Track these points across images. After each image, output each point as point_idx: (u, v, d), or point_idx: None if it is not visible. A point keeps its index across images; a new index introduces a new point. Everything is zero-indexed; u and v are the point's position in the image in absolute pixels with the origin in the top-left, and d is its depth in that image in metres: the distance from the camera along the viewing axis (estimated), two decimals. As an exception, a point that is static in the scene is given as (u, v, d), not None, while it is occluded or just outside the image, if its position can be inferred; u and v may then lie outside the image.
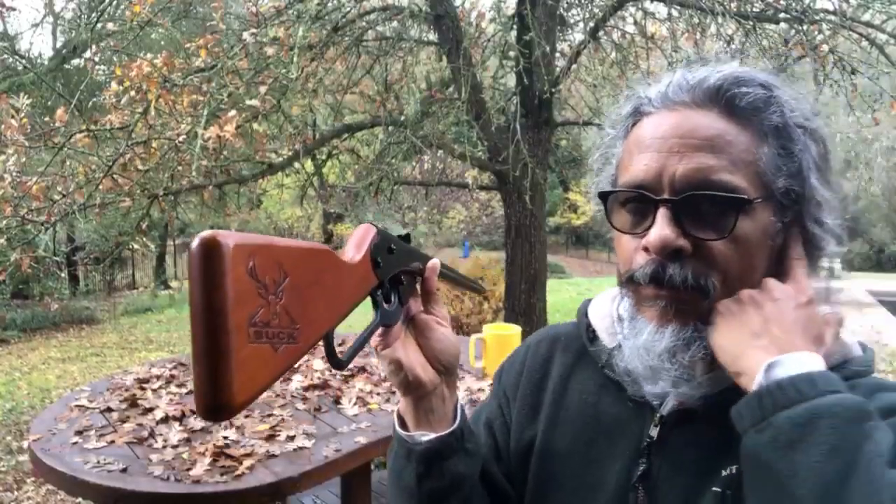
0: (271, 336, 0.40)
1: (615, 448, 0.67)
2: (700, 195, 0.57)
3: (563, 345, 0.79)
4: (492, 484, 0.74)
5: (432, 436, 0.64)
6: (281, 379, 2.69)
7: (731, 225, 0.57)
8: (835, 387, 0.51)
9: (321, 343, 0.49)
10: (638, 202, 0.61)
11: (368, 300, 0.58)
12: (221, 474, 1.78)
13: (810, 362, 0.53)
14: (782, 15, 4.00)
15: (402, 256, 0.61)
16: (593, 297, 0.80)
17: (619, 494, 0.65)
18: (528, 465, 0.74)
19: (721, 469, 0.60)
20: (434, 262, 0.66)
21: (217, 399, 0.36)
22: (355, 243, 0.55)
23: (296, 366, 2.87)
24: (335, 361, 0.51)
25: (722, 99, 0.59)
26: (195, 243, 0.37)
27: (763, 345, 0.56)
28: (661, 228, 0.58)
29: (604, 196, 0.64)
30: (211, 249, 0.36)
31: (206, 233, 0.37)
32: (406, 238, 0.64)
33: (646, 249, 0.59)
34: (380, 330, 0.61)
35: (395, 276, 0.60)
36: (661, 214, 0.58)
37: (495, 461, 0.77)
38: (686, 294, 0.58)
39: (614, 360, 0.70)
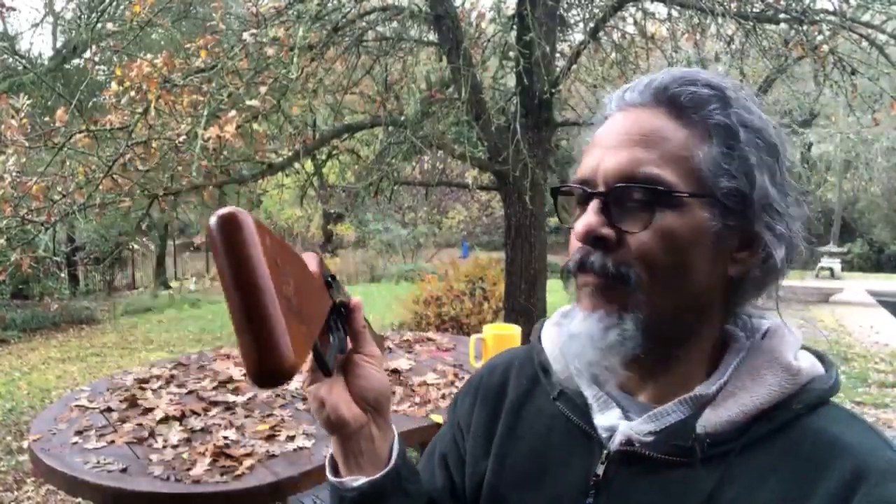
0: (295, 312, 0.40)
1: (563, 483, 0.65)
2: (624, 187, 0.58)
3: (516, 371, 0.77)
4: None
5: (364, 480, 0.62)
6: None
7: (649, 217, 0.57)
8: None
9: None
10: (581, 198, 0.63)
11: None
12: (221, 474, 1.78)
13: None
14: (782, 15, 4.00)
15: (339, 289, 0.61)
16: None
17: None
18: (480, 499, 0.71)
19: None
20: (357, 300, 0.65)
21: (273, 361, 0.36)
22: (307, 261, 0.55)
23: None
24: (324, 366, 0.51)
25: (666, 96, 0.60)
26: (214, 220, 0.37)
27: None
28: (588, 217, 0.59)
29: (553, 194, 0.66)
30: (234, 222, 0.37)
31: (225, 209, 0.37)
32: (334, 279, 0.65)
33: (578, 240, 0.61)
34: (309, 366, 0.61)
35: (339, 307, 0.61)
36: (591, 205, 0.60)
37: (451, 498, 0.74)
38: (609, 282, 0.59)
39: (565, 391, 0.69)
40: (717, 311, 0.63)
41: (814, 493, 0.54)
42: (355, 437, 0.63)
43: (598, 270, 0.59)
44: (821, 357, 0.64)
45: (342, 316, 0.62)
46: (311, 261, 0.55)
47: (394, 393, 2.41)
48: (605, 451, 0.63)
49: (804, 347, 0.64)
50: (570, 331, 0.62)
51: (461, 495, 0.75)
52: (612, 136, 0.61)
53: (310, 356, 0.58)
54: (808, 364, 0.61)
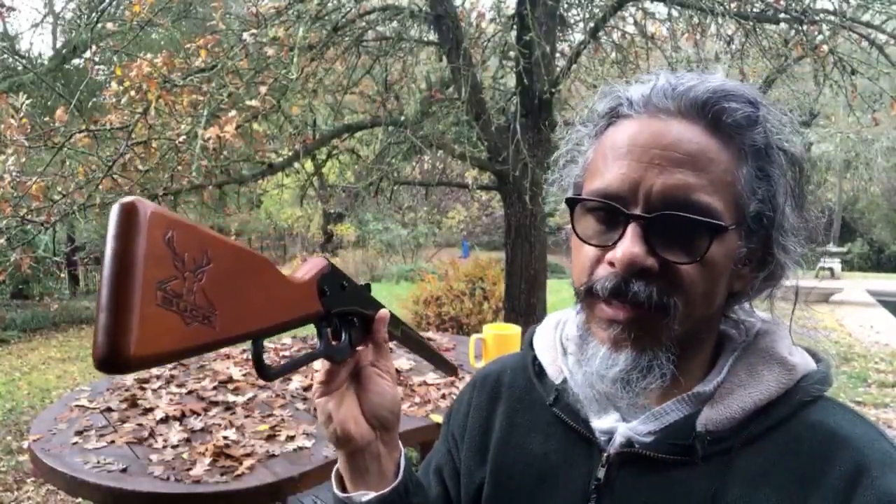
0: (182, 308, 0.40)
1: (564, 490, 0.64)
2: (675, 216, 0.54)
3: (509, 380, 0.75)
4: None
5: (372, 495, 0.61)
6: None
7: (703, 249, 0.54)
8: None
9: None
10: (607, 212, 0.57)
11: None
12: (221, 474, 1.78)
13: None
14: (782, 15, 4.00)
15: (354, 297, 0.60)
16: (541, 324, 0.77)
17: None
18: None
19: None
20: (384, 312, 0.63)
21: (113, 349, 0.36)
22: (304, 269, 0.55)
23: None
24: (262, 370, 0.50)
25: (709, 113, 0.56)
26: (115, 206, 0.38)
27: None
28: (632, 245, 0.54)
29: (571, 203, 0.60)
30: (129, 211, 0.37)
31: (127, 198, 0.38)
32: (366, 288, 0.63)
33: (611, 264, 0.56)
34: (324, 376, 0.61)
35: (347, 316, 0.60)
36: (632, 230, 0.54)
37: None
38: (646, 314, 0.55)
39: (561, 396, 0.67)
40: (718, 322, 0.63)
41: (817, 486, 0.54)
42: (361, 454, 0.62)
43: (640, 300, 0.55)
44: (812, 353, 0.64)
45: (350, 324, 0.61)
46: (309, 267, 0.55)
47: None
48: (606, 455, 0.62)
49: (795, 344, 0.64)
50: (595, 371, 0.58)
51: None
52: (649, 150, 0.55)
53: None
54: (801, 360, 0.61)
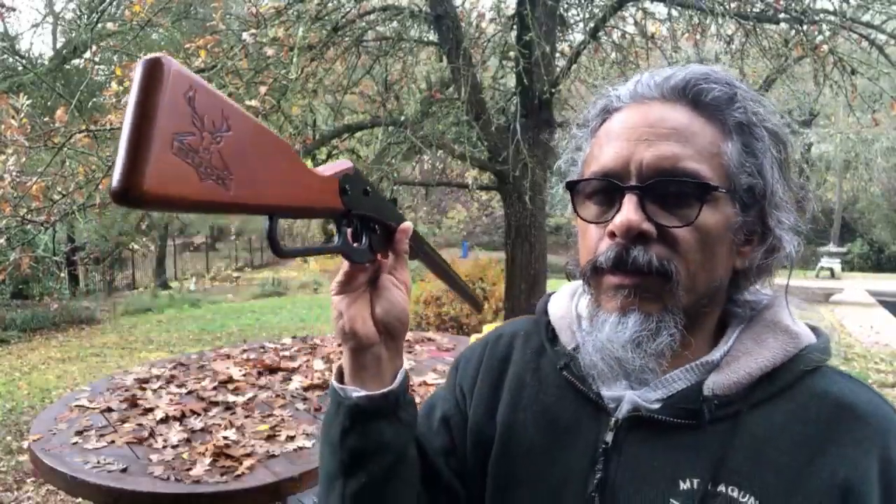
0: (197, 163, 0.41)
1: (573, 452, 0.66)
2: (666, 181, 0.58)
3: (521, 342, 0.78)
4: (435, 476, 0.73)
5: (363, 393, 0.64)
6: (281, 379, 2.69)
7: (695, 213, 0.57)
8: None
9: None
10: (605, 192, 0.62)
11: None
12: (221, 474, 1.78)
13: None
14: (782, 15, 4.00)
15: (377, 203, 0.62)
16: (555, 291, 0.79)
17: (577, 502, 0.64)
18: (486, 465, 0.72)
19: (679, 480, 0.59)
20: (407, 224, 0.66)
21: (128, 183, 0.37)
22: (329, 166, 0.57)
23: (295, 365, 2.87)
24: (275, 246, 0.52)
25: (689, 93, 0.60)
26: (140, 61, 0.40)
27: None
28: (627, 212, 0.58)
29: (571, 187, 0.65)
30: (153, 65, 0.39)
31: (154, 54, 0.40)
32: (392, 202, 0.66)
33: (611, 236, 0.60)
34: (343, 276, 0.63)
35: (368, 220, 0.62)
36: (628, 199, 0.58)
37: (445, 456, 0.75)
38: (649, 279, 0.58)
39: (573, 361, 0.69)
40: (722, 297, 0.65)
41: (823, 451, 0.56)
42: (363, 353, 0.64)
43: (641, 266, 0.58)
44: (812, 327, 0.66)
45: (371, 230, 0.62)
46: (333, 165, 0.57)
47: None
48: (614, 419, 0.64)
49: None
50: (606, 337, 0.60)
51: (460, 455, 0.75)
52: (638, 129, 0.60)
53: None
54: (803, 329, 0.64)
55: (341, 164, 0.58)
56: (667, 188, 0.58)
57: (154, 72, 0.39)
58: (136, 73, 0.40)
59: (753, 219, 0.61)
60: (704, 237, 0.58)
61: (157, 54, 0.40)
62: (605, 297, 0.62)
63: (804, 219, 0.65)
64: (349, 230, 0.60)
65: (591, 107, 0.68)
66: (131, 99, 0.39)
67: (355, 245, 0.61)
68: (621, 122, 0.62)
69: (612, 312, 0.60)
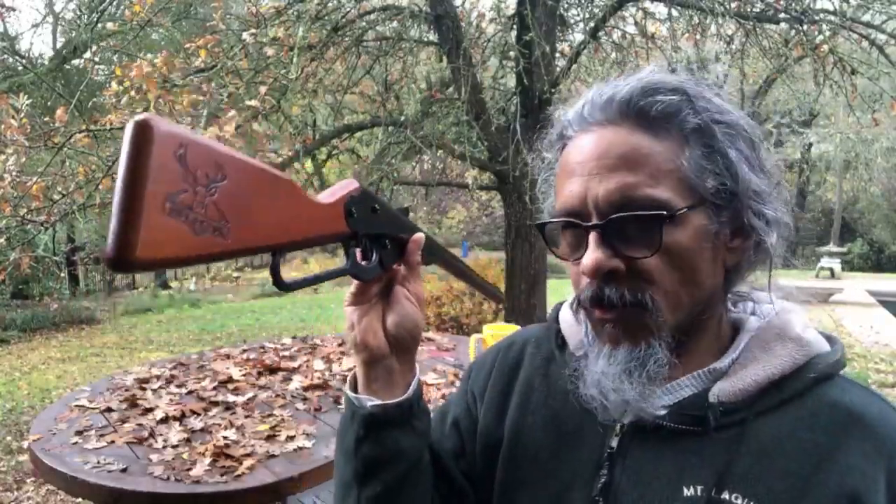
0: (192, 220, 0.42)
1: (579, 456, 0.67)
2: (623, 217, 0.57)
3: (532, 348, 0.79)
4: (448, 480, 0.74)
5: (378, 401, 0.65)
6: (281, 379, 2.69)
7: (658, 240, 0.56)
8: None
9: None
10: (571, 229, 0.62)
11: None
12: (221, 474, 1.78)
13: None
14: (782, 15, 4.00)
15: (386, 220, 0.62)
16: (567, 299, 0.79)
17: None
18: (494, 468, 0.73)
19: (683, 487, 0.59)
20: (418, 236, 0.66)
21: (120, 250, 0.39)
22: (332, 191, 0.57)
23: (295, 365, 2.87)
24: (277, 281, 0.53)
25: (633, 111, 0.59)
26: (130, 122, 0.41)
27: None
28: (593, 252, 0.58)
29: (541, 227, 0.65)
30: (142, 127, 0.40)
31: (143, 115, 0.41)
32: (403, 212, 0.66)
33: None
34: (356, 288, 0.64)
35: (378, 238, 0.62)
36: (592, 239, 0.58)
37: (455, 458, 0.76)
38: (627, 310, 0.58)
39: (581, 368, 0.69)
40: (720, 296, 0.65)
41: (830, 459, 0.56)
42: (375, 365, 0.65)
43: (616, 303, 0.58)
44: (826, 336, 0.65)
45: (382, 246, 0.63)
46: (338, 188, 0.57)
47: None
48: (619, 425, 0.64)
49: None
50: (601, 370, 0.61)
51: (470, 457, 0.76)
52: (588, 163, 0.59)
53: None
54: (815, 338, 0.63)
55: (347, 184, 0.58)
56: (625, 222, 0.57)
57: (143, 134, 0.40)
58: (126, 135, 0.40)
59: (732, 216, 0.60)
60: (676, 258, 0.58)
61: (146, 115, 0.41)
62: (595, 329, 0.64)
63: (790, 206, 0.63)
64: (358, 250, 0.60)
65: (552, 129, 0.67)
66: (121, 162, 0.40)
67: (364, 263, 0.61)
68: (573, 157, 0.61)
69: (604, 345, 0.62)
